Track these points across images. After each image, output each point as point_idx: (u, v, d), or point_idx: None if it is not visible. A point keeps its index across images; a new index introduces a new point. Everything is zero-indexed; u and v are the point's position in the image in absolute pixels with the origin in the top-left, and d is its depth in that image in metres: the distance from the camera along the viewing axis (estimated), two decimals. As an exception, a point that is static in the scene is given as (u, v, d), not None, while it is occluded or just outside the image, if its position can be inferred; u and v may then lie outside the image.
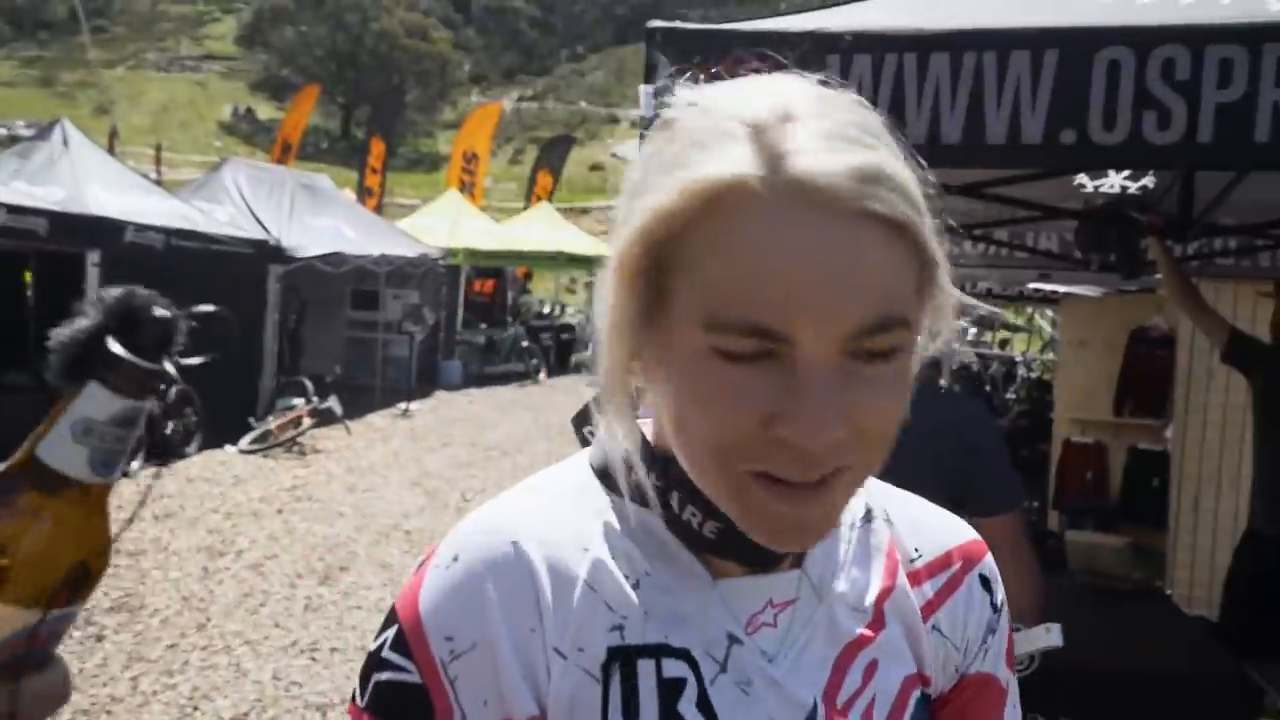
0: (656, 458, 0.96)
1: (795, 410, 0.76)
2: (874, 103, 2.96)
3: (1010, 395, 12.23)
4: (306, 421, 13.66)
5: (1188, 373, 6.25)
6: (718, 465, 0.83)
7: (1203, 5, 2.91)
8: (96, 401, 0.86)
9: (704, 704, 0.92)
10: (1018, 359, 15.61)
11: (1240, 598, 4.72)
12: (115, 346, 0.85)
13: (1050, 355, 12.77)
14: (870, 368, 0.79)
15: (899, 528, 1.09)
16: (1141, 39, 2.58)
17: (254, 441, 12.92)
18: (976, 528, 1.18)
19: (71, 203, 11.56)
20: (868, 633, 1.01)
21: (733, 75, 3.10)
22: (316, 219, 16.70)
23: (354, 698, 0.94)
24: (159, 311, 0.88)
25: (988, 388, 12.50)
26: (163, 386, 0.83)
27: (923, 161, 0.90)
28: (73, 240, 11.64)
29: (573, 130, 61.73)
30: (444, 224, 21.86)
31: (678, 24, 3.19)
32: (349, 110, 75.09)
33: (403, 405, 16.93)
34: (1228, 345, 4.54)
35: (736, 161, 0.78)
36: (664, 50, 3.15)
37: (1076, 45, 2.65)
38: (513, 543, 0.92)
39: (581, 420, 1.14)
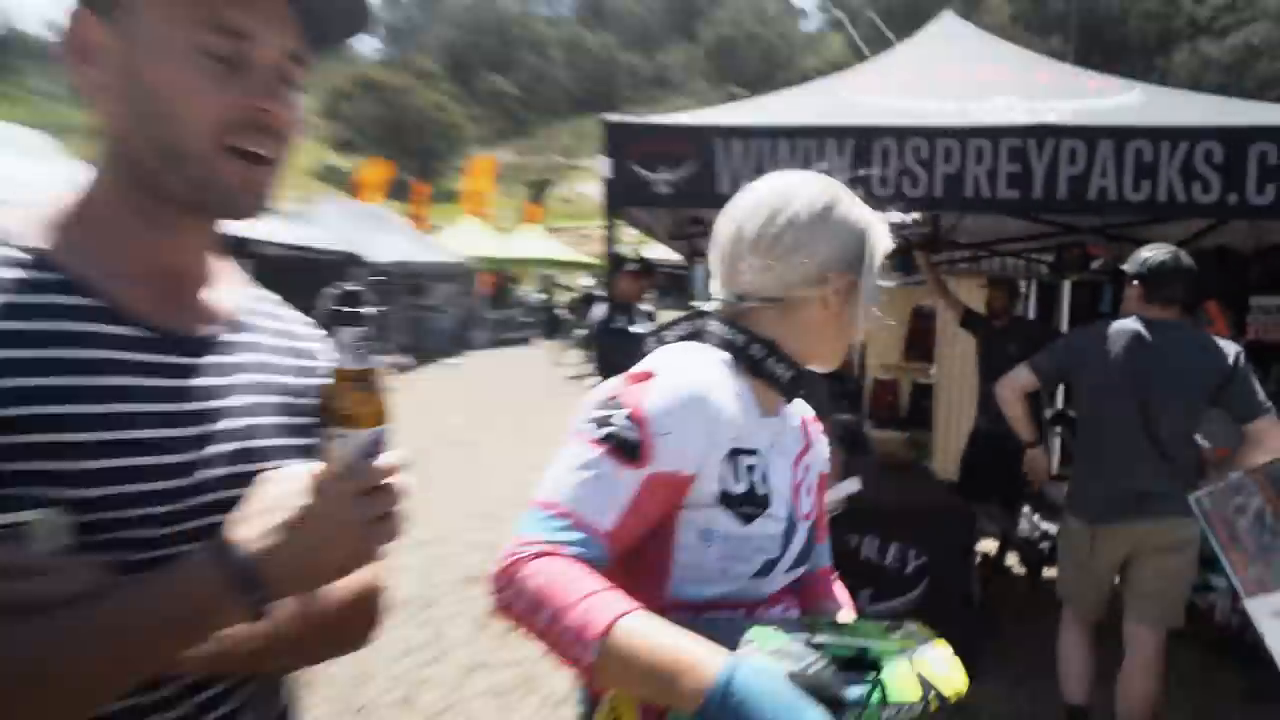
0: (761, 341, 1.19)
1: None
2: (744, 169, 3.16)
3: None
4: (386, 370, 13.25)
5: (943, 334, 6.58)
6: None
7: (933, 111, 3.11)
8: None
9: (765, 479, 1.15)
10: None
11: (967, 467, 5.05)
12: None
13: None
14: None
15: (801, 409, 1.35)
16: (900, 133, 2.78)
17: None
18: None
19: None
20: (805, 450, 1.29)
21: (667, 154, 3.30)
22: (387, 238, 16.45)
23: (581, 433, 1.08)
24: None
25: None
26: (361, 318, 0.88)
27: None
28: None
29: (548, 176, 60.66)
30: (467, 238, 21.53)
31: (624, 118, 3.29)
32: (396, 159, 73.52)
33: (448, 360, 16.52)
34: (962, 317, 4.87)
35: None
36: (615, 133, 3.25)
37: (860, 138, 2.83)
38: (703, 394, 1.09)
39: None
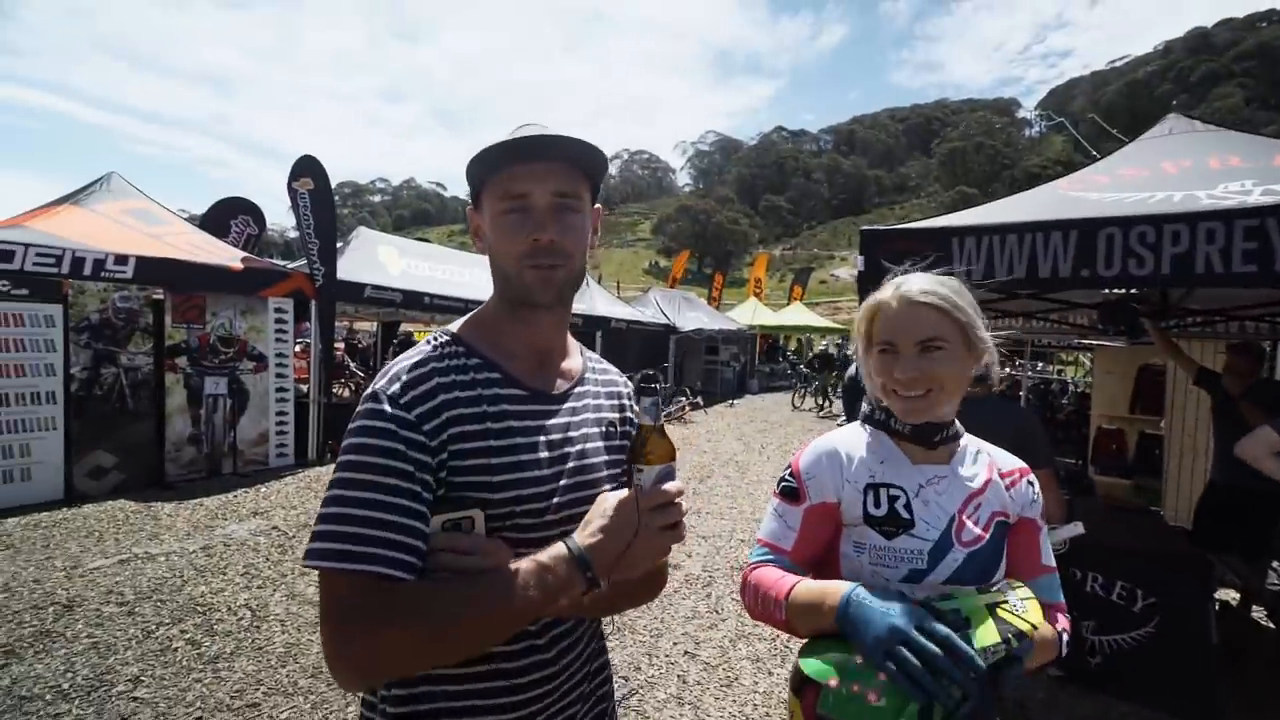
0: (882, 409, 1.19)
1: None
2: (976, 260, 2.77)
3: (1064, 401, 10.73)
4: (688, 408, 13.65)
5: (1173, 389, 5.29)
6: None
7: (1159, 200, 2.55)
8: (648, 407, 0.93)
9: (907, 507, 1.14)
10: (1069, 381, 13.69)
11: (1201, 517, 3.95)
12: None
13: (1089, 379, 10.91)
14: None
15: (994, 456, 1.23)
16: (1125, 221, 2.32)
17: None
18: None
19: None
20: (978, 492, 1.17)
21: (911, 252, 3.08)
22: (692, 313, 16.92)
23: (774, 490, 1.23)
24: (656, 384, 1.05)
25: (1052, 397, 11.13)
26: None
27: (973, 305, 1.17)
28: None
29: (810, 264, 59.39)
30: (748, 312, 21.59)
31: (875, 227, 3.11)
32: (700, 259, 76.62)
33: (730, 401, 16.72)
34: (1196, 376, 3.86)
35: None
36: (868, 238, 3.09)
37: (1084, 228, 2.40)
38: (834, 449, 1.20)
39: (852, 409, 1.30)
